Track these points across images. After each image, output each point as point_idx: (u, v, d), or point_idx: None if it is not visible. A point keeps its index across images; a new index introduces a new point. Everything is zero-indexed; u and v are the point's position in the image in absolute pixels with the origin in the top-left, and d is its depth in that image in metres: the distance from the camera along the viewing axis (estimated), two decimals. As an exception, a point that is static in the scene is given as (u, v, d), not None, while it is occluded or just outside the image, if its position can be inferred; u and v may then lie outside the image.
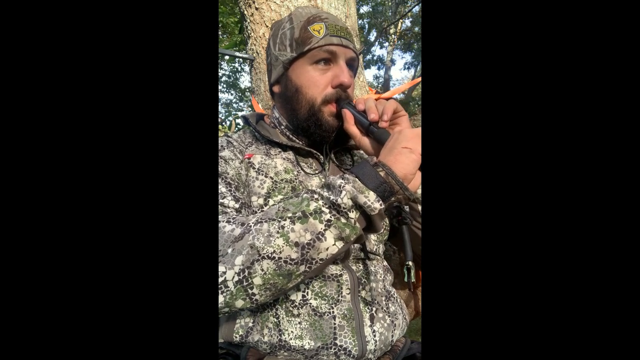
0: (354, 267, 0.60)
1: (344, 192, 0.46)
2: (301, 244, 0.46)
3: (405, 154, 0.48)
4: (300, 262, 0.46)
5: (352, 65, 0.65)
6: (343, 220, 0.46)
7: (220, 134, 0.72)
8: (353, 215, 0.46)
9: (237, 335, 0.55)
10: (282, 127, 0.68)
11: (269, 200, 0.58)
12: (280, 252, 0.45)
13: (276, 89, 0.68)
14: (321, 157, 0.66)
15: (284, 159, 0.63)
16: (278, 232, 0.46)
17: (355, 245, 0.61)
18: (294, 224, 0.46)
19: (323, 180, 0.64)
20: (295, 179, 0.61)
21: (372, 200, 0.45)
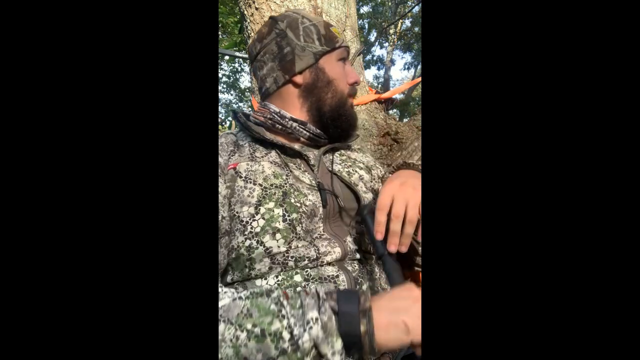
0: (349, 268, 0.59)
1: (306, 336, 0.41)
2: None
3: (399, 331, 0.42)
4: None
5: None
6: (298, 355, 0.41)
7: (220, 134, 0.70)
8: (309, 358, 0.41)
9: None
10: (286, 119, 0.66)
11: (260, 209, 0.56)
12: None
13: (300, 79, 0.67)
14: (310, 157, 0.65)
15: (271, 162, 0.62)
16: (231, 341, 0.41)
17: (351, 246, 0.61)
18: (249, 341, 0.41)
19: (313, 182, 0.62)
20: (286, 183, 0.59)
21: (335, 351, 0.41)
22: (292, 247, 0.56)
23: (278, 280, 0.55)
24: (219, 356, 0.41)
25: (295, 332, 0.41)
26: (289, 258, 0.56)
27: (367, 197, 0.66)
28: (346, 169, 0.69)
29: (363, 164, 0.73)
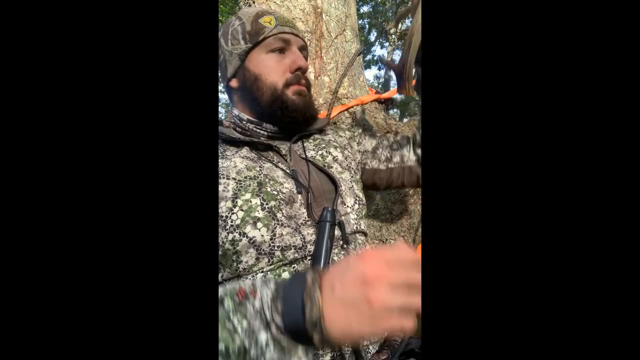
0: (335, 259, 0.58)
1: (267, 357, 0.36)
2: None
3: (363, 313, 0.33)
4: None
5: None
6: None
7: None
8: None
9: None
10: (244, 122, 0.68)
11: (237, 201, 0.56)
12: None
13: (234, 83, 0.68)
14: (282, 148, 0.66)
15: (242, 157, 0.63)
16: None
17: (336, 231, 0.60)
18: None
19: (287, 171, 0.63)
20: (260, 174, 0.60)
21: (300, 356, 0.37)
22: (277, 235, 0.56)
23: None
24: None
25: (252, 353, 0.36)
26: (275, 248, 0.55)
27: (343, 176, 0.67)
28: (319, 152, 0.69)
29: (337, 143, 0.74)
